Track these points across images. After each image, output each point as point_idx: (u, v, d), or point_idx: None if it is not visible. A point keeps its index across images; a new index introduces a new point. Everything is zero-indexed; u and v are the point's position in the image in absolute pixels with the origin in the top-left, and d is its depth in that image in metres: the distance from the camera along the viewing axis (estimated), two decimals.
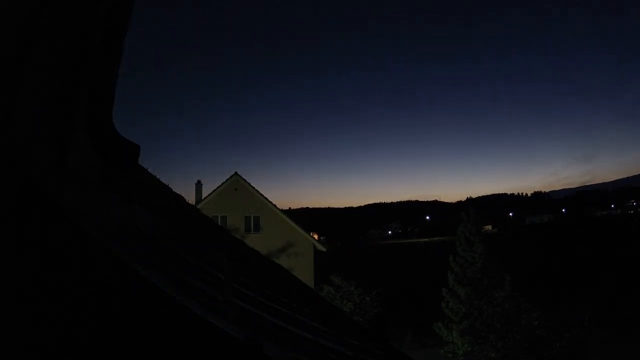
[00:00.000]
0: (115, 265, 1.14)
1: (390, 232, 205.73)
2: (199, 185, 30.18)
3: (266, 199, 27.88)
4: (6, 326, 1.00)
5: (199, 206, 24.08)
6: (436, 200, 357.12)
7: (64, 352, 0.98)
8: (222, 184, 27.67)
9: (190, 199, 28.14)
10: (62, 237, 1.18)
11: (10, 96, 1.34)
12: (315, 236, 33.02)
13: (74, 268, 1.13)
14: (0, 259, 1.09)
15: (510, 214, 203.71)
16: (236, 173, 28.04)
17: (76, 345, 1.00)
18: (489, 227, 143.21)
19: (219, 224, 19.12)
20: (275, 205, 28.05)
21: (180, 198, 4.85)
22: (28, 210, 1.21)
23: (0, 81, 1.33)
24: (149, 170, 4.71)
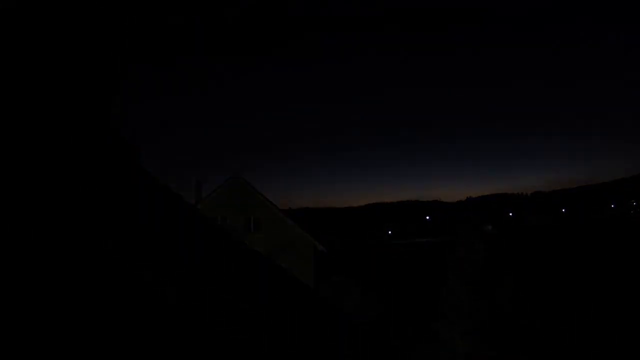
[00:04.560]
0: (119, 269, 1.13)
1: (390, 232, 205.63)
2: (198, 185, 30.16)
3: (266, 199, 27.85)
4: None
5: (198, 206, 24.05)
6: (436, 200, 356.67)
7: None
8: (222, 184, 27.64)
9: (190, 199, 28.13)
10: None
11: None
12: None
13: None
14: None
15: (510, 214, 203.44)
16: (236, 173, 28.03)
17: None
18: (489, 227, 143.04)
19: (219, 224, 19.11)
20: (275, 205, 28.03)
21: (179, 198, 4.84)
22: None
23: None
24: (148, 170, 4.70)
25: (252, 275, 2.60)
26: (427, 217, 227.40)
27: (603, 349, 18.55)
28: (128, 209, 1.98)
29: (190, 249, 2.12)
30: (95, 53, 1.65)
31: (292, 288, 3.01)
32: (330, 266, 28.45)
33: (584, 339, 18.37)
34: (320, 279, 26.09)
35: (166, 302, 1.13)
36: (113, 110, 1.88)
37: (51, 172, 1.48)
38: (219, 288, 1.54)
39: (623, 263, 44.09)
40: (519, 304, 19.14)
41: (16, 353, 0.97)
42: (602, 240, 65.55)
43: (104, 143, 1.85)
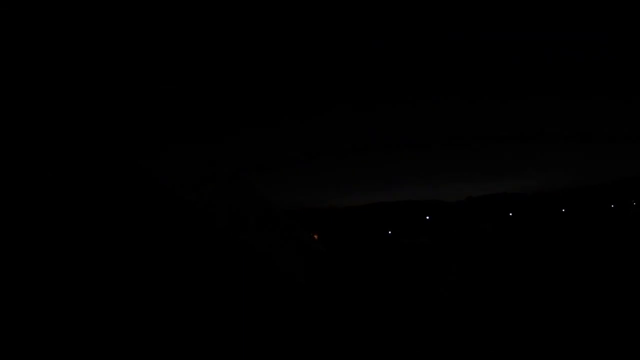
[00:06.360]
0: (119, 266, 1.15)
1: (390, 232, 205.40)
2: (198, 185, 30.18)
3: (265, 198, 27.91)
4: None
5: (198, 205, 24.05)
6: (436, 200, 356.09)
7: None
8: (221, 182, 27.69)
9: (190, 198, 28.12)
10: None
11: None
12: (315, 237, 33.22)
13: None
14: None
15: (510, 214, 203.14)
16: (235, 171, 28.08)
17: None
18: (489, 227, 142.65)
19: (218, 223, 19.10)
20: (274, 205, 28.08)
21: (179, 198, 4.86)
22: None
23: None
24: (149, 169, 4.72)
25: (250, 275, 2.62)
26: (427, 217, 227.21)
27: (601, 349, 18.60)
28: (128, 208, 2.00)
29: (189, 248, 2.14)
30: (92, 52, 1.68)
31: (289, 288, 3.04)
32: (330, 266, 28.46)
33: (582, 339, 18.40)
34: (319, 279, 26.10)
35: (164, 299, 1.15)
36: (115, 110, 1.90)
37: (54, 172, 1.51)
38: (215, 286, 1.56)
39: (622, 263, 44.07)
40: (519, 303, 19.19)
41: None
42: (602, 239, 65.52)
43: (105, 144, 1.88)
